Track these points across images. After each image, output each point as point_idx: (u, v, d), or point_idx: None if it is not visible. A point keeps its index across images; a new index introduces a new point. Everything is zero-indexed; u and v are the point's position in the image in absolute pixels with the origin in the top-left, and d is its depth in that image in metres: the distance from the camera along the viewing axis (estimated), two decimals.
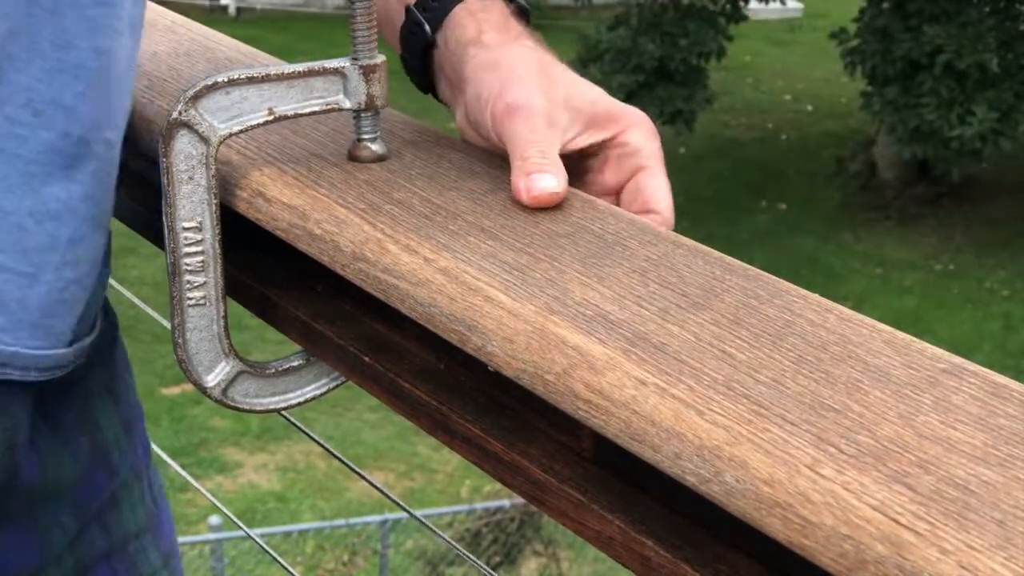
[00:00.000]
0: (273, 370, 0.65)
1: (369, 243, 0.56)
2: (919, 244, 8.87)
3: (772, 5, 10.44)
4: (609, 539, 0.52)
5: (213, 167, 0.60)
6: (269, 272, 0.68)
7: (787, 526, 0.43)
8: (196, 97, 0.58)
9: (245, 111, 0.59)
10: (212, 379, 0.63)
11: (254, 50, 0.79)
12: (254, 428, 5.98)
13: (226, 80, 0.59)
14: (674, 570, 0.49)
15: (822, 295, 0.55)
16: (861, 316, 0.53)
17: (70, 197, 0.56)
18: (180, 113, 0.58)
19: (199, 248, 0.61)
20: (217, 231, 0.61)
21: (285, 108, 0.60)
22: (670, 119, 9.23)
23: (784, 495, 0.43)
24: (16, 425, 0.57)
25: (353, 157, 0.62)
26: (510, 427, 0.56)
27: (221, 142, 0.59)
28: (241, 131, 0.60)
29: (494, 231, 0.56)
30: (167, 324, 0.63)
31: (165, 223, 0.60)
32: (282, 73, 0.60)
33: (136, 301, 1.17)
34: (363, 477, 0.78)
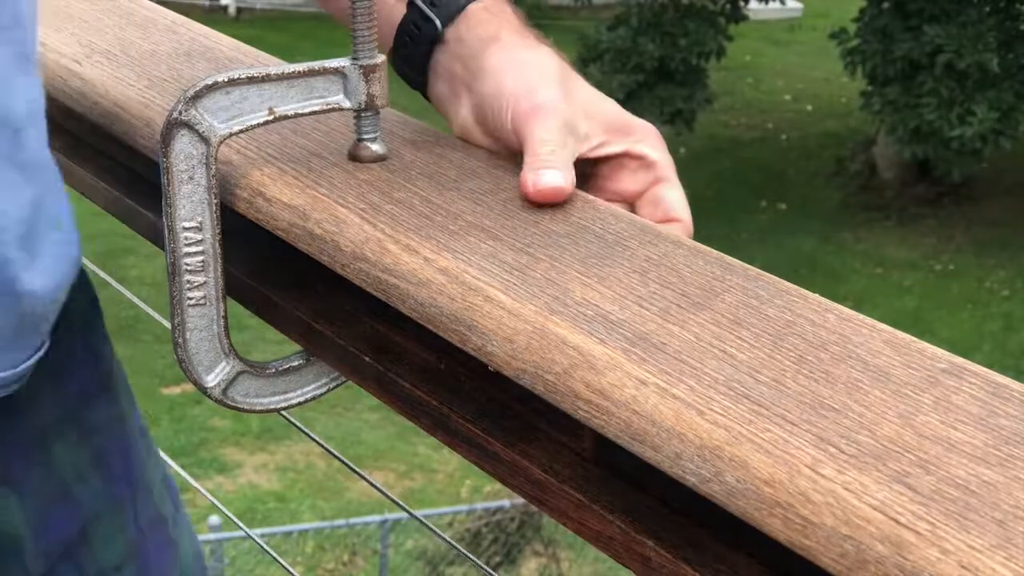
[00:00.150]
0: (273, 370, 0.65)
1: (369, 243, 0.56)
2: (919, 244, 8.87)
3: (772, 5, 10.44)
4: (609, 539, 0.52)
5: (213, 167, 0.60)
6: (269, 272, 0.68)
7: (787, 526, 0.43)
8: (196, 97, 0.58)
9: (245, 111, 0.59)
10: (212, 379, 0.63)
11: (254, 50, 0.79)
12: (254, 428, 5.98)
13: (226, 80, 0.59)
14: (674, 570, 0.49)
15: (822, 295, 0.55)
16: (861, 316, 0.53)
17: None
18: (180, 113, 0.58)
19: (199, 248, 0.61)
20: (217, 231, 0.61)
21: (285, 108, 0.60)
22: (670, 119, 9.23)
23: (784, 495, 0.43)
24: None
25: (353, 157, 0.62)
26: (510, 427, 0.56)
27: (221, 142, 0.59)
28: (241, 131, 0.60)
29: (494, 231, 0.56)
30: (167, 324, 0.63)
31: (165, 223, 0.60)
32: (282, 73, 0.60)
33: (136, 301, 1.17)
34: (363, 477, 0.78)
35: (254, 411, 0.65)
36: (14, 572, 0.61)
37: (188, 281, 0.61)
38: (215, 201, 0.60)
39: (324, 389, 0.67)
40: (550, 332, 0.52)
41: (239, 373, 0.64)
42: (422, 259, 0.54)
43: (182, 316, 0.61)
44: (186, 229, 0.60)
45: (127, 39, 0.80)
